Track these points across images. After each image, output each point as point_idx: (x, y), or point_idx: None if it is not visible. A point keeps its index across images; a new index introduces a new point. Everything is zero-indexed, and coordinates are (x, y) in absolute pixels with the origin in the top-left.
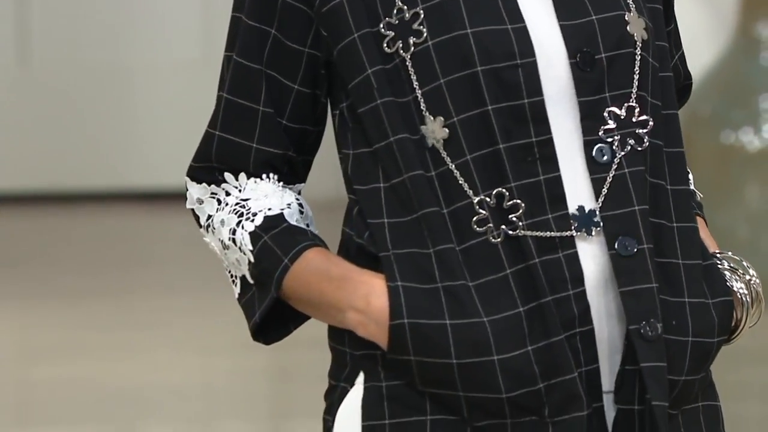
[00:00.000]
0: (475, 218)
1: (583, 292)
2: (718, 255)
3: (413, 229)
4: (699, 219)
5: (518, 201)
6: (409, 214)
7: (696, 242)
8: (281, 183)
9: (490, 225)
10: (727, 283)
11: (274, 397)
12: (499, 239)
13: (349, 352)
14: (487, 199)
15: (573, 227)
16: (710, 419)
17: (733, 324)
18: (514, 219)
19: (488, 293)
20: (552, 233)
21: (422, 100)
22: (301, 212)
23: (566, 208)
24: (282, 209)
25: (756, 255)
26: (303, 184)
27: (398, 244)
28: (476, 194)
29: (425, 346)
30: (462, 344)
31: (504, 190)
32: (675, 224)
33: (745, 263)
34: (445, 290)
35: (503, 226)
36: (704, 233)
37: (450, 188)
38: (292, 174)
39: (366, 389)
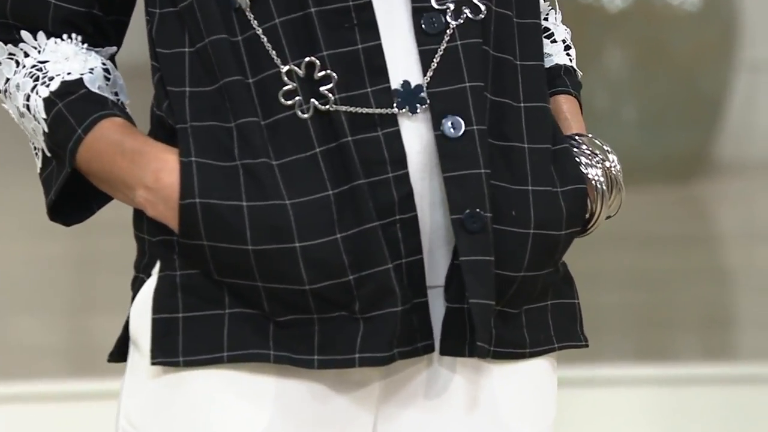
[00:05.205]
0: (282, 90)
1: (406, 175)
2: (576, 138)
3: (216, 100)
4: (568, 98)
5: (330, 72)
6: (212, 84)
7: (546, 124)
8: (86, 45)
9: (299, 98)
10: (581, 170)
11: (72, 288)
12: (308, 114)
13: (147, 239)
14: (297, 69)
15: (395, 103)
16: (561, 318)
17: (588, 214)
18: (326, 92)
19: (294, 174)
20: (370, 109)
21: None
22: (107, 78)
23: (388, 81)
24: (82, 74)
25: (616, 127)
26: (115, 48)
27: (198, 115)
28: (284, 63)
29: (218, 229)
30: (259, 228)
31: (315, 60)
32: (522, 104)
33: (606, 147)
34: (244, 168)
35: (313, 100)
36: (572, 114)
37: (257, 56)
38: (100, 35)
39: (159, 279)
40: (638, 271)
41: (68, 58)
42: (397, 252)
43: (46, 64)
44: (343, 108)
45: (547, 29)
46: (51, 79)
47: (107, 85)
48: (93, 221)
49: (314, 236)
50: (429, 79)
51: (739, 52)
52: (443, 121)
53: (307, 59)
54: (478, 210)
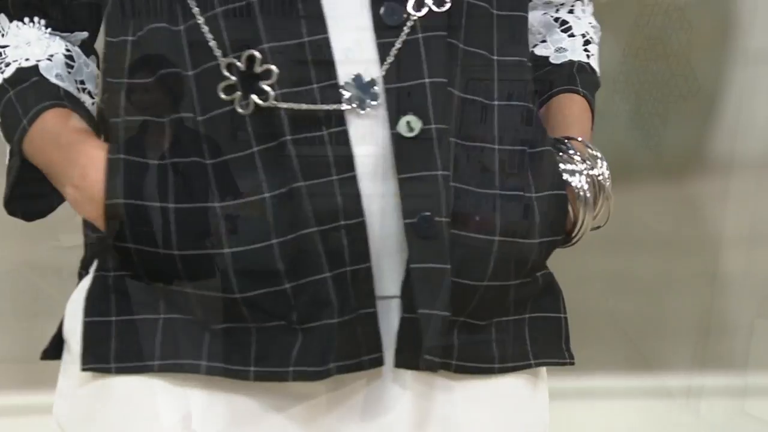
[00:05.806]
0: (222, 84)
1: (353, 178)
2: (566, 142)
3: (153, 93)
4: (573, 98)
5: (272, 66)
6: (149, 76)
7: (523, 124)
8: (49, 29)
9: (239, 93)
10: (562, 176)
11: (22, 293)
12: (247, 110)
13: (88, 235)
14: (237, 62)
15: (342, 99)
16: (542, 333)
17: (572, 223)
18: (266, 87)
19: (228, 174)
20: (314, 106)
21: None
22: (70, 66)
23: (335, 77)
24: (39, 60)
25: (604, 122)
26: (86, 34)
27: (132, 109)
28: (225, 55)
29: (144, 232)
30: (187, 233)
31: (255, 53)
32: (496, 102)
33: (597, 154)
34: (174, 168)
35: (253, 95)
36: (573, 114)
37: (198, 47)
38: (69, 20)
39: (93, 279)
40: (628, 275)
41: (30, 43)
42: (340, 260)
43: (6, 49)
44: (284, 105)
45: (565, 22)
46: (8, 65)
47: (69, 72)
48: (45, 218)
49: (247, 241)
50: (384, 73)
51: (737, 42)
52: (399, 119)
53: (248, 52)
54: (432, 215)
